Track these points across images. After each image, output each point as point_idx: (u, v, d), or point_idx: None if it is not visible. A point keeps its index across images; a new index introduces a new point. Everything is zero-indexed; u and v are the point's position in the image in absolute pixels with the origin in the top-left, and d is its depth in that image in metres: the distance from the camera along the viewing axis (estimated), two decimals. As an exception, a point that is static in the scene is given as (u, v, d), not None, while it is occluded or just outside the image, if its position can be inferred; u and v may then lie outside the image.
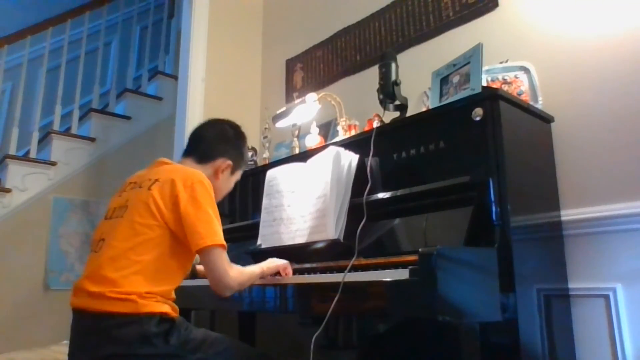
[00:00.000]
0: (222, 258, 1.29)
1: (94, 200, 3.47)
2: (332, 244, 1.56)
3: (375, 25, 2.37)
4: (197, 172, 1.36)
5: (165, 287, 1.29)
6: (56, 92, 3.63)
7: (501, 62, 1.73)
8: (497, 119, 1.36)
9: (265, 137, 2.41)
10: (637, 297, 1.42)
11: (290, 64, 2.83)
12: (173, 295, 1.34)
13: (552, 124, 1.64)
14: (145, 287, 1.23)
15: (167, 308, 1.26)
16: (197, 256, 1.36)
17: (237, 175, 1.59)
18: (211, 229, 1.28)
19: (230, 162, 1.51)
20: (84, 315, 1.25)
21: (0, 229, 3.16)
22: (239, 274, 1.34)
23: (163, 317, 1.24)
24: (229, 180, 1.55)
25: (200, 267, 1.72)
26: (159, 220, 1.27)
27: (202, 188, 1.31)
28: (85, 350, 1.23)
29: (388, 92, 1.71)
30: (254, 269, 1.42)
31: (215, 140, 1.52)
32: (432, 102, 1.64)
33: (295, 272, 1.55)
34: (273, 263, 1.48)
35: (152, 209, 1.28)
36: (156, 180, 1.33)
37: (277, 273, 1.50)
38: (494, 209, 1.30)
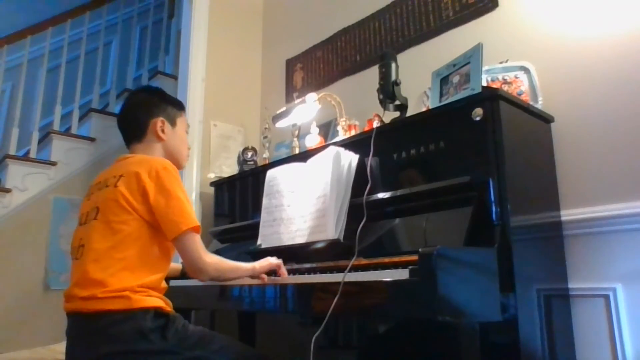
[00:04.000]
0: (195, 242, 1.30)
1: (94, 200, 3.47)
2: (332, 244, 1.56)
3: (375, 25, 2.37)
4: (158, 159, 1.37)
5: (155, 276, 1.30)
6: (56, 92, 3.63)
7: (501, 62, 1.73)
8: (497, 119, 1.36)
9: (265, 137, 2.41)
10: (637, 297, 1.42)
11: (290, 64, 2.83)
12: (164, 283, 1.35)
13: (552, 124, 1.64)
14: (135, 281, 1.24)
15: (160, 302, 1.27)
16: None
17: (181, 124, 1.56)
18: (183, 214, 1.29)
19: (162, 118, 1.49)
20: (78, 318, 1.25)
21: (0, 229, 3.16)
22: (217, 261, 1.36)
23: (157, 312, 1.25)
24: (176, 134, 1.53)
25: None
26: (132, 214, 1.28)
27: (167, 174, 1.32)
28: (82, 351, 1.23)
29: (388, 92, 1.71)
30: (243, 264, 1.44)
31: (135, 112, 1.51)
32: (432, 102, 1.64)
33: (295, 272, 1.55)
34: (266, 261, 1.49)
35: (123, 205, 1.28)
36: (121, 176, 1.33)
37: (273, 272, 1.50)
38: (494, 209, 1.30)
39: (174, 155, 1.50)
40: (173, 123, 1.53)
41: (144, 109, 1.50)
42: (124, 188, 1.30)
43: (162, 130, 1.49)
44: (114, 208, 1.29)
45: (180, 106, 1.59)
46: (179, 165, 1.54)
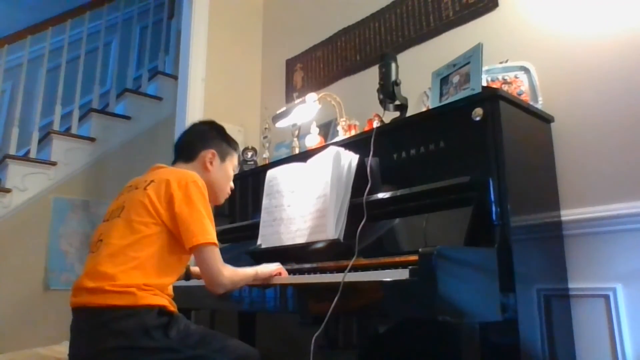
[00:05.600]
0: (215, 256, 1.32)
1: (94, 200, 3.47)
2: (332, 244, 1.56)
3: (375, 25, 2.37)
4: (190, 173, 1.40)
5: (163, 281, 1.31)
6: (56, 92, 3.63)
7: (501, 62, 1.73)
8: (497, 119, 1.36)
9: (265, 137, 2.41)
10: (637, 297, 1.42)
11: (290, 64, 2.83)
12: (170, 290, 1.37)
13: (552, 124, 1.64)
14: (142, 279, 1.25)
15: (164, 301, 1.28)
16: (191, 257, 1.39)
17: (230, 162, 1.62)
18: (204, 227, 1.31)
19: (213, 151, 1.55)
20: (83, 312, 1.26)
21: (0, 229, 3.16)
22: (233, 273, 1.38)
23: (161, 310, 1.26)
24: (223, 169, 1.58)
25: (194, 269, 1.74)
26: (155, 218, 1.31)
27: (195, 187, 1.35)
28: (85, 346, 1.24)
29: (388, 92, 1.71)
30: (248, 271, 1.46)
31: (195, 139, 1.58)
32: (432, 102, 1.64)
33: (295, 272, 1.55)
34: (267, 268, 1.51)
35: (148, 208, 1.31)
36: (152, 181, 1.37)
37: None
38: (494, 209, 1.30)
39: (214, 189, 1.54)
40: (223, 159, 1.58)
41: (201, 138, 1.57)
42: (153, 192, 1.33)
43: (211, 163, 1.54)
44: (138, 209, 1.32)
45: (234, 146, 1.65)
46: (218, 201, 1.59)
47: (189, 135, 1.61)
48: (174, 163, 1.56)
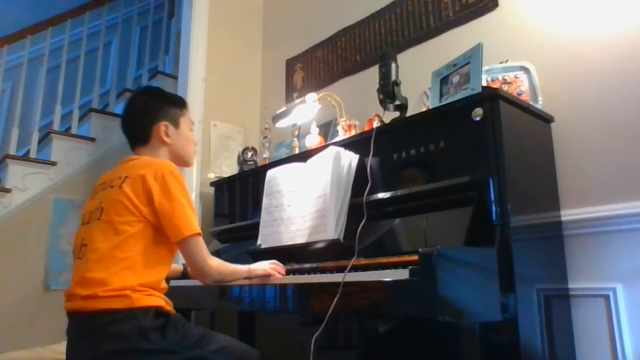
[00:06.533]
0: (199, 247, 1.33)
1: (94, 200, 3.47)
2: (332, 244, 1.56)
3: (375, 25, 2.37)
4: (165, 163, 1.38)
5: (156, 276, 1.31)
6: (56, 92, 3.63)
7: (501, 62, 1.73)
8: (497, 119, 1.36)
9: (265, 137, 2.41)
10: (637, 297, 1.42)
11: (290, 64, 2.83)
12: (165, 284, 1.36)
13: (552, 124, 1.64)
14: (136, 280, 1.24)
15: (161, 302, 1.28)
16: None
17: (185, 123, 1.54)
18: (187, 219, 1.31)
19: (165, 122, 1.48)
20: (79, 317, 1.25)
21: (0, 229, 3.15)
22: (220, 264, 1.39)
23: (158, 311, 1.26)
24: (180, 134, 1.52)
25: None
26: (137, 215, 1.29)
27: (172, 178, 1.33)
28: (82, 350, 1.24)
29: (388, 92, 1.71)
30: (240, 266, 1.47)
31: (138, 118, 1.50)
32: (432, 102, 1.64)
33: (295, 272, 1.55)
34: (261, 266, 1.51)
35: (128, 206, 1.29)
36: (126, 177, 1.34)
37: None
38: (494, 209, 1.30)
39: (180, 156, 1.51)
40: (176, 124, 1.51)
41: (146, 114, 1.49)
42: (129, 189, 1.31)
43: (166, 134, 1.48)
44: (118, 209, 1.30)
45: (181, 104, 1.56)
46: (187, 164, 1.57)
47: (131, 114, 1.52)
48: (133, 148, 1.50)
